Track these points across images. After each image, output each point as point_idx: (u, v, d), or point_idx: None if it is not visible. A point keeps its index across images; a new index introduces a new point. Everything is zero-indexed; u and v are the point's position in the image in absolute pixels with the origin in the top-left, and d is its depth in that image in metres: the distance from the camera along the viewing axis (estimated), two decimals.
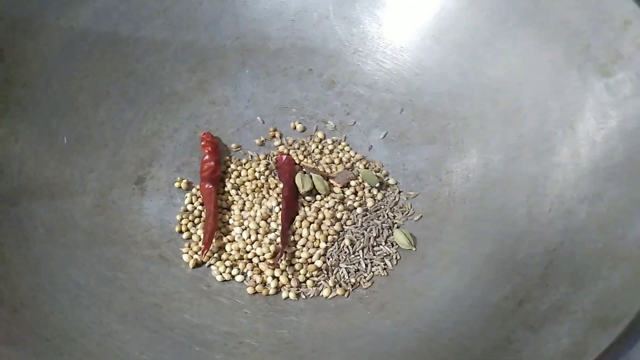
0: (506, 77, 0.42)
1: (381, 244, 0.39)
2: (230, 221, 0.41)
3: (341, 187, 0.43)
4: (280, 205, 0.41)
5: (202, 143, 0.45)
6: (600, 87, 0.36)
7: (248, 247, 0.39)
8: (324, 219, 0.40)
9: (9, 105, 0.39)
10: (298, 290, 0.37)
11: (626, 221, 0.29)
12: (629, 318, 0.22)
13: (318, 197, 0.42)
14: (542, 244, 0.32)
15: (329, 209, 0.41)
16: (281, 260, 0.38)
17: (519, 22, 0.42)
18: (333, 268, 0.38)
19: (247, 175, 0.44)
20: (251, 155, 0.46)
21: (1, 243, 0.32)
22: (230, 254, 0.39)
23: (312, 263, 0.38)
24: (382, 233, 0.40)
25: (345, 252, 0.39)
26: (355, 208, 0.41)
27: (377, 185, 0.43)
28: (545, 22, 0.41)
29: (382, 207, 0.42)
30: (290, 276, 0.38)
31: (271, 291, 0.37)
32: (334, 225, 0.40)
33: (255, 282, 0.37)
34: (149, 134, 0.45)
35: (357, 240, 0.39)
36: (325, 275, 0.38)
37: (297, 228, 0.40)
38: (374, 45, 0.50)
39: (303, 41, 0.50)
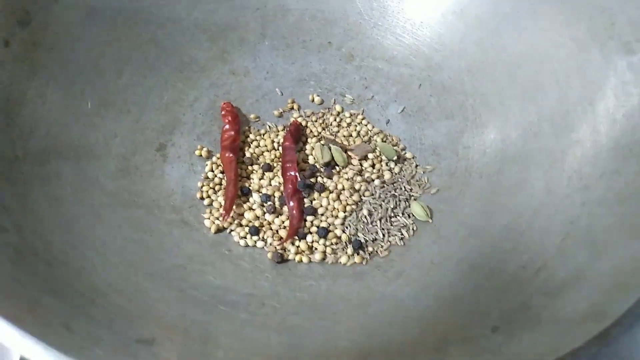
0: (527, 54, 0.42)
1: (398, 215, 0.40)
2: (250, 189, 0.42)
3: (359, 160, 0.43)
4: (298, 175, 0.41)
5: (222, 113, 0.45)
6: (623, 65, 0.36)
7: (267, 215, 0.40)
8: (342, 189, 0.41)
9: (36, 67, 0.39)
10: (316, 257, 0.38)
11: None
12: None
13: (336, 168, 0.43)
14: (560, 216, 0.33)
15: (347, 180, 0.42)
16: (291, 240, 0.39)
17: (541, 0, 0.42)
18: (351, 237, 0.39)
19: (265, 146, 0.45)
20: (269, 126, 0.46)
21: (33, 201, 0.33)
22: (250, 221, 0.40)
23: (332, 231, 0.39)
24: (399, 205, 0.41)
25: (364, 222, 0.40)
26: (373, 180, 0.42)
27: (395, 158, 0.43)
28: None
29: (400, 180, 0.42)
30: (310, 243, 0.39)
31: (290, 256, 0.38)
32: (353, 195, 0.41)
33: (275, 248, 0.38)
34: (170, 102, 0.46)
35: (375, 210, 0.40)
36: (344, 244, 0.39)
37: (315, 199, 0.41)
38: (394, 20, 0.50)
39: (323, 13, 0.51)
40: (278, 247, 0.38)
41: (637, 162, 0.31)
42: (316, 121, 0.47)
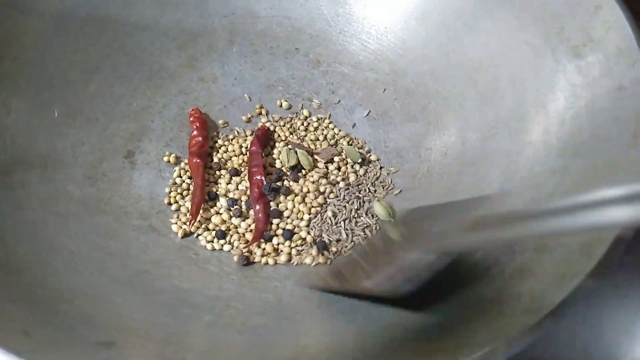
0: (486, 58, 0.44)
1: (362, 216, 0.41)
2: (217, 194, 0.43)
3: (325, 163, 0.44)
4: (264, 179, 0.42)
5: (191, 119, 0.46)
6: (572, 68, 0.38)
7: (233, 219, 0.41)
8: (308, 192, 0.42)
9: (0, 78, 0.40)
10: (282, 258, 0.39)
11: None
12: (581, 276, 0.24)
13: (302, 171, 0.44)
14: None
15: (312, 182, 0.43)
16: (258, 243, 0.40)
17: (499, 4, 0.43)
18: (316, 238, 0.40)
19: (233, 151, 0.46)
20: (237, 132, 0.47)
21: None
22: (217, 225, 0.41)
23: (297, 233, 0.40)
24: (363, 206, 0.42)
25: (328, 224, 0.41)
26: (338, 182, 0.43)
27: (360, 161, 0.44)
28: (524, 4, 0.42)
29: (364, 181, 0.43)
30: (275, 246, 0.40)
31: (257, 259, 0.39)
32: (317, 198, 0.42)
33: (242, 251, 0.39)
34: (138, 109, 0.46)
35: (340, 212, 0.41)
36: (309, 245, 0.40)
37: (280, 202, 0.42)
38: (359, 26, 0.51)
39: (290, 20, 0.52)
40: (244, 250, 0.39)
41: (582, 162, 0.33)
42: (284, 126, 0.47)
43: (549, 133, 0.37)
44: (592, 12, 0.38)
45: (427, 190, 0.42)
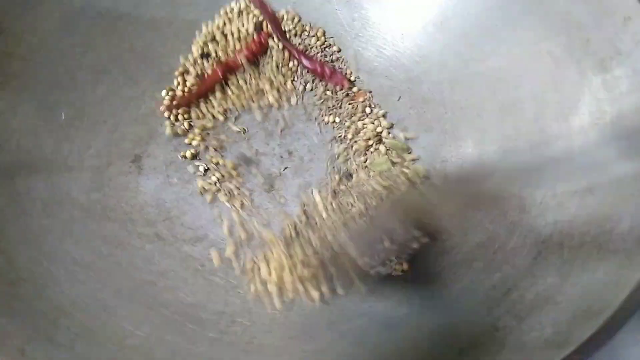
0: (506, 68, 0.42)
1: None
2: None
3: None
4: None
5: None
6: (598, 82, 0.36)
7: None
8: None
9: (8, 78, 0.39)
10: None
11: (614, 216, 0.29)
12: (611, 310, 0.22)
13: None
14: (532, 235, 0.33)
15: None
16: None
17: (521, 12, 0.42)
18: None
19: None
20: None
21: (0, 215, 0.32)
22: None
23: None
24: None
25: None
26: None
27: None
28: (548, 13, 0.40)
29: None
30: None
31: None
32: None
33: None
34: (147, 112, 0.45)
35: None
36: None
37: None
38: (375, 31, 0.49)
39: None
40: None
41: (609, 182, 0.31)
42: None
43: (572, 150, 0.35)
44: (621, 24, 0.36)
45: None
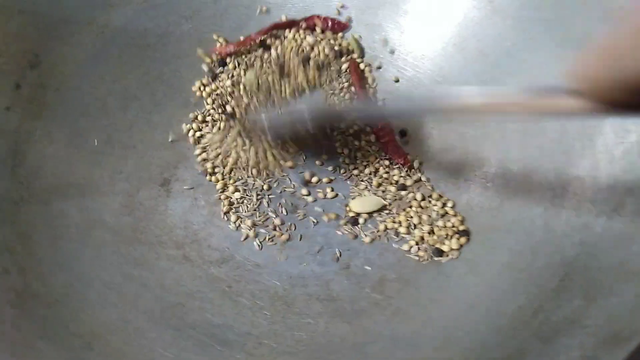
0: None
1: None
2: None
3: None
4: None
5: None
6: None
7: None
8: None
9: (42, 108, 0.41)
10: None
11: None
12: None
13: None
14: (558, 256, 0.32)
15: None
16: None
17: (541, 33, 0.42)
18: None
19: None
20: None
21: (36, 242, 0.34)
22: None
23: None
24: None
25: None
26: None
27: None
28: (567, 34, 0.41)
29: None
30: None
31: None
32: None
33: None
34: (175, 138, 0.47)
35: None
36: None
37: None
38: (396, 53, 0.50)
39: None
40: None
41: (635, 202, 0.31)
42: None
43: (597, 169, 0.35)
44: None
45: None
